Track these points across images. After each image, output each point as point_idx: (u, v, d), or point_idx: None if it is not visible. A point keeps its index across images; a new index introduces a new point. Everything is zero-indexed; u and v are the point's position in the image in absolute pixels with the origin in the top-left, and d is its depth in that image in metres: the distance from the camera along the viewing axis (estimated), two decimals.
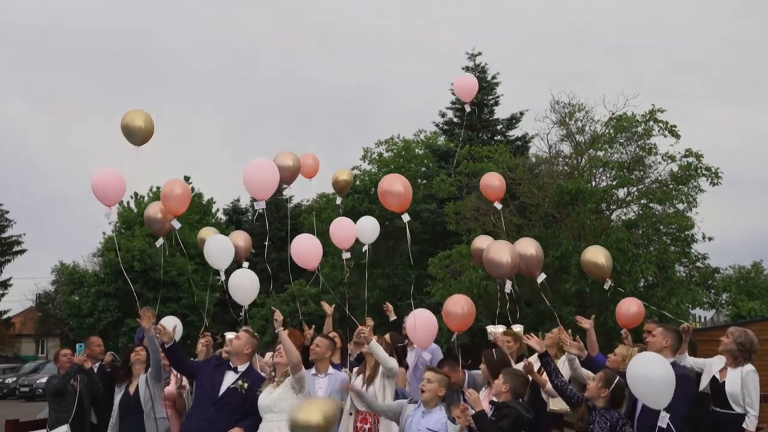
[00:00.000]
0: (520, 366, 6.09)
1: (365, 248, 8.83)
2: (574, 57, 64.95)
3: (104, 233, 32.51)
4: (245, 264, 8.16)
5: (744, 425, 5.68)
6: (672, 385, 4.84)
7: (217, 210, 38.07)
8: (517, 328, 7.43)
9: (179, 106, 72.25)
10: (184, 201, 8.20)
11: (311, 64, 71.83)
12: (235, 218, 37.00)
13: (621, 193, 17.76)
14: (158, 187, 29.87)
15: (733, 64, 69.81)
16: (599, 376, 5.34)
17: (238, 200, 38.39)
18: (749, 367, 5.80)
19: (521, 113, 26.40)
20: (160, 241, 8.42)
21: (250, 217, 35.15)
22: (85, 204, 67.30)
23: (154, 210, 8.36)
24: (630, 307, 7.71)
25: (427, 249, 22.83)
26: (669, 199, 17.00)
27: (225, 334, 7.03)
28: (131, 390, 6.70)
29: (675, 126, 17.08)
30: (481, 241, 8.46)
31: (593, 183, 17.57)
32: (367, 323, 7.42)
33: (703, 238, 17.26)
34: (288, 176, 8.77)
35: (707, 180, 16.88)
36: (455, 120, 27.23)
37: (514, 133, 26.48)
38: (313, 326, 7.95)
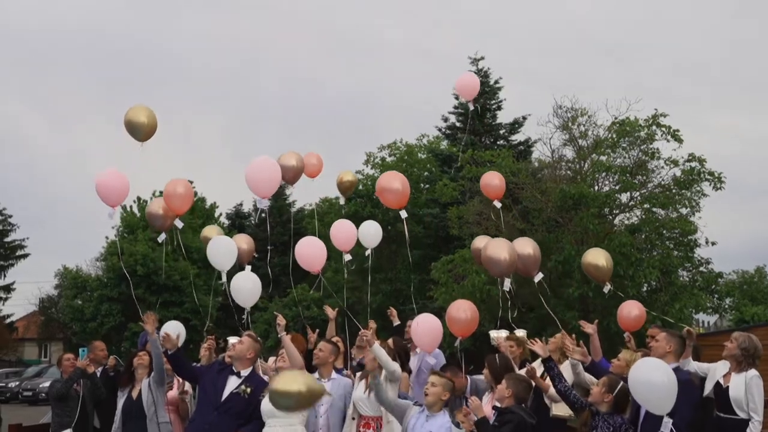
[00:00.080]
0: (522, 371, 6.08)
1: (368, 252, 8.85)
2: (576, 62, 65.06)
3: (107, 237, 32.65)
4: (248, 267, 8.17)
5: (748, 431, 5.66)
6: (674, 390, 4.82)
7: (220, 214, 38.15)
8: (520, 332, 7.44)
9: (181, 108, 72.44)
10: (187, 200, 8.22)
11: (313, 67, 72.09)
12: (237, 222, 37.06)
13: (624, 197, 17.78)
14: (161, 192, 29.92)
15: (734, 66, 69.84)
16: (603, 381, 5.33)
17: (240, 205, 38.48)
18: (753, 373, 5.78)
19: (524, 118, 26.40)
20: (162, 236, 8.44)
21: (252, 222, 35.19)
22: (88, 208, 67.46)
23: (156, 206, 8.38)
24: (631, 310, 7.71)
25: (430, 253, 22.83)
26: (672, 204, 16.99)
27: (228, 338, 7.04)
28: (134, 394, 6.70)
29: (678, 130, 17.10)
30: (481, 241, 8.54)
31: (596, 187, 17.58)
32: (369, 326, 7.43)
33: (707, 242, 17.25)
34: (292, 176, 8.80)
35: (710, 184, 16.88)
36: (458, 124, 27.23)
37: (517, 137, 26.50)
38: (317, 330, 7.95)
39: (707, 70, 72.27)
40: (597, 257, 7.96)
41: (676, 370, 5.59)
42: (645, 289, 16.70)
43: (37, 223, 69.33)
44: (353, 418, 6.18)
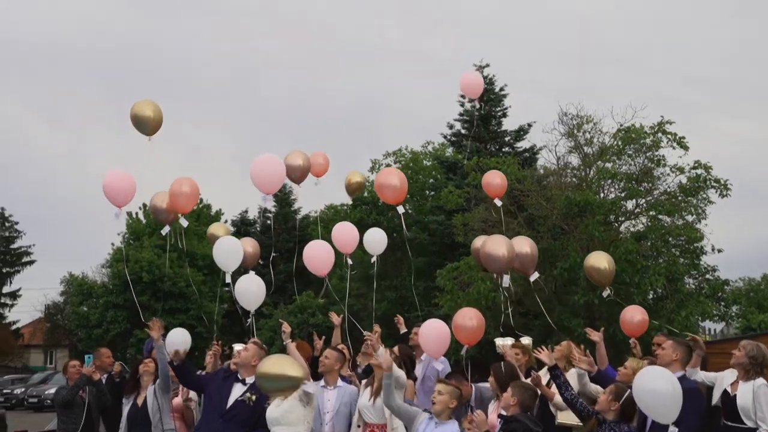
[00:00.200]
0: (528, 379, 6.07)
1: (373, 259, 8.85)
2: (581, 69, 65.06)
3: (113, 244, 32.64)
4: (252, 272, 8.18)
5: None
6: (679, 399, 4.77)
7: (226, 221, 38.17)
8: (526, 340, 7.42)
9: (186, 115, 72.67)
10: (192, 199, 8.23)
11: (320, 76, 72.25)
12: (243, 229, 37.08)
13: (629, 204, 17.73)
14: None
15: (740, 74, 69.71)
16: (610, 389, 5.30)
17: (246, 211, 38.53)
18: (761, 381, 5.74)
19: (529, 125, 26.39)
20: (166, 229, 8.43)
21: (257, 229, 35.21)
22: (88, 208, 67.55)
23: (160, 200, 8.39)
24: (634, 315, 7.70)
25: (435, 261, 22.81)
26: (678, 211, 16.94)
27: (233, 345, 7.04)
28: (139, 402, 6.71)
29: (683, 138, 17.06)
30: (479, 240, 8.59)
31: (601, 195, 17.55)
32: (374, 330, 7.42)
33: (713, 249, 17.18)
34: (299, 175, 8.82)
35: (716, 191, 16.83)
36: (463, 131, 27.25)
37: (522, 144, 26.47)
38: (323, 337, 7.95)
39: (713, 78, 72.28)
40: (599, 260, 8.04)
41: (683, 378, 5.57)
42: (651, 296, 16.64)
43: (43, 229, 69.52)
44: (358, 426, 6.17)
